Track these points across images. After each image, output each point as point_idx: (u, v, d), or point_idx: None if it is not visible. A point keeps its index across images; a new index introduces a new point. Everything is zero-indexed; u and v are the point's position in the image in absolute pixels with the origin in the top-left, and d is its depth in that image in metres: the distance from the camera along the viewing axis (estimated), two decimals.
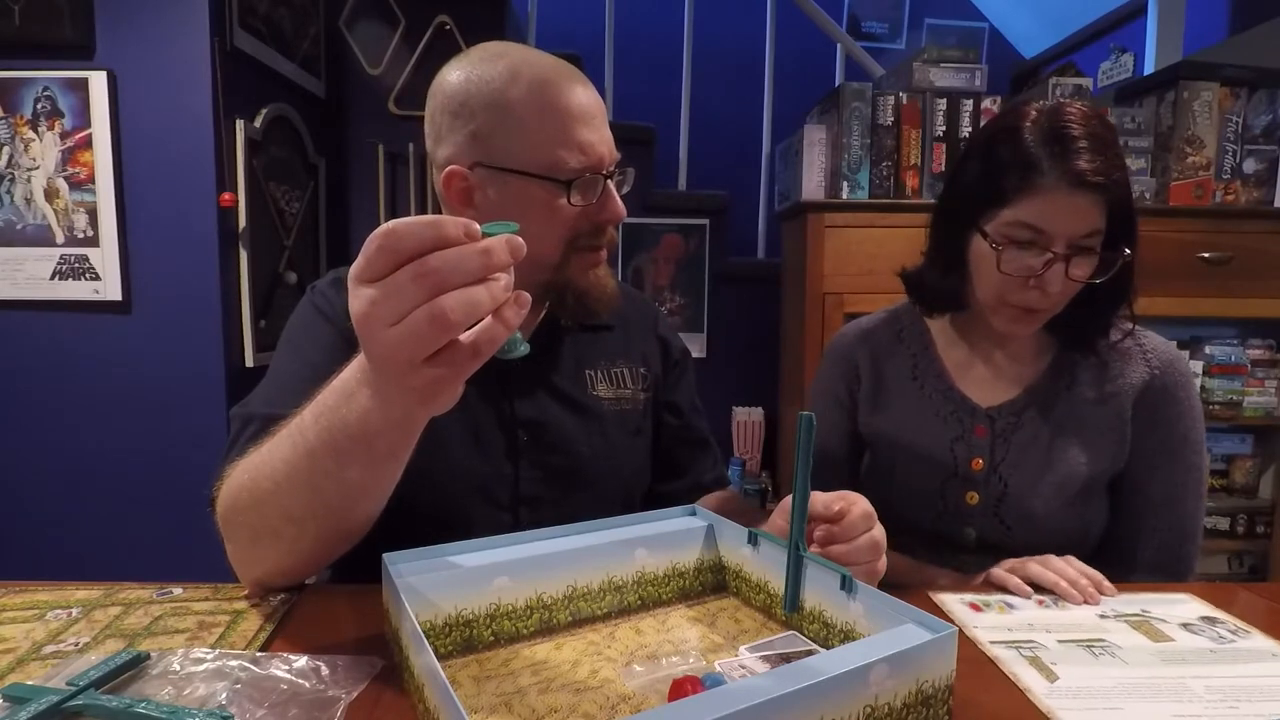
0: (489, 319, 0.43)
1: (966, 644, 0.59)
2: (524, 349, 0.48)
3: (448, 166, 0.72)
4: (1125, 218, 0.78)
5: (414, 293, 0.41)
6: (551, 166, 0.70)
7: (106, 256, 1.53)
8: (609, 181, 0.73)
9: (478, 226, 0.43)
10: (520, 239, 0.44)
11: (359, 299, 0.43)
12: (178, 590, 0.65)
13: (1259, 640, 0.60)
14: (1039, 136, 0.76)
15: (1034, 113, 0.79)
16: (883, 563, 0.59)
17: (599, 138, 0.72)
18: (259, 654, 0.52)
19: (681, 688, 0.46)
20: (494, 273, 0.43)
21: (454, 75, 0.72)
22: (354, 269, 0.43)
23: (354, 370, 0.51)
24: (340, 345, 0.72)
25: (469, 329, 0.43)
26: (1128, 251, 0.78)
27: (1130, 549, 0.86)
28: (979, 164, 0.82)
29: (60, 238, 1.52)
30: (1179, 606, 0.67)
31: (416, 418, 0.51)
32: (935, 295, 0.90)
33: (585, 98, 0.72)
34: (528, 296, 0.45)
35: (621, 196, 0.75)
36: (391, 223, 0.42)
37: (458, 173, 0.72)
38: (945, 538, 0.89)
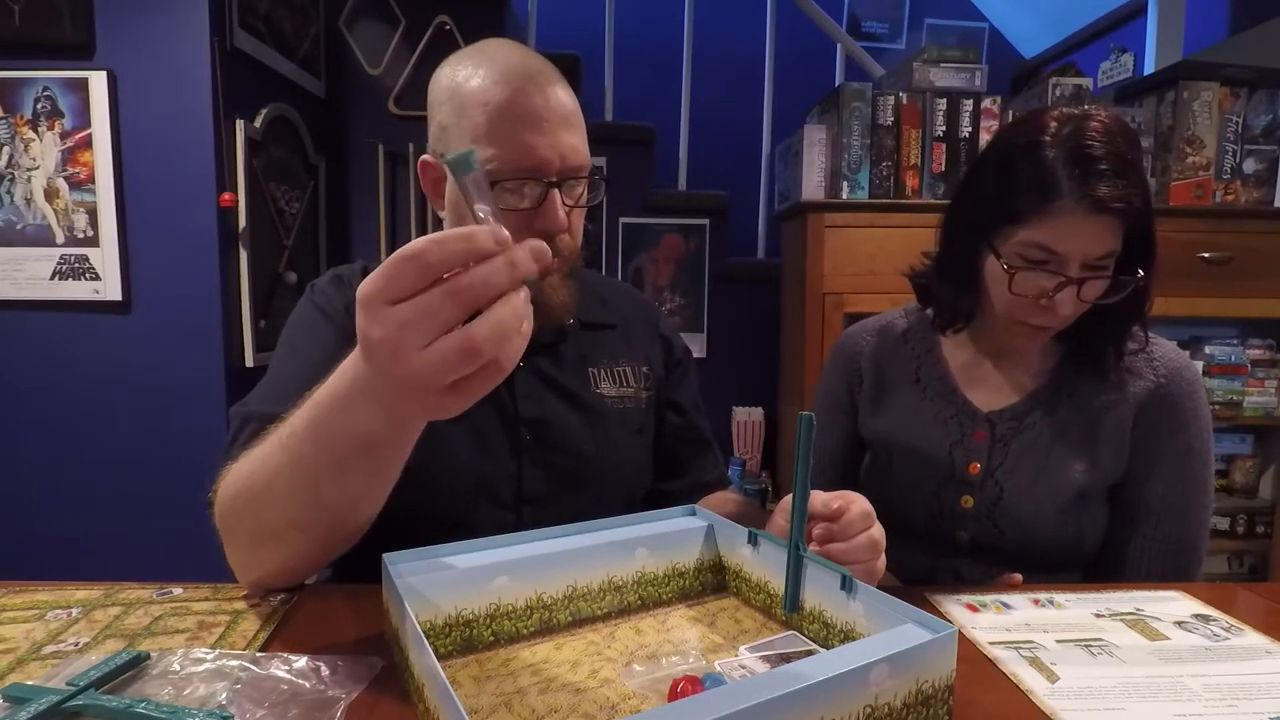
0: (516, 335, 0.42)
1: (965, 644, 0.58)
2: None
3: (422, 156, 0.76)
4: (1143, 239, 0.76)
5: (451, 312, 0.40)
6: (484, 164, 0.68)
7: (106, 256, 1.53)
8: (554, 190, 0.69)
9: (507, 233, 0.41)
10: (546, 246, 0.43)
11: (387, 322, 0.40)
12: (178, 590, 0.65)
13: (1252, 637, 0.60)
14: (1060, 155, 0.73)
15: (1055, 125, 0.75)
16: (881, 562, 0.59)
17: (546, 142, 0.68)
18: (259, 654, 0.52)
19: (682, 688, 0.46)
20: (522, 281, 0.41)
21: (442, 70, 0.75)
22: (371, 288, 0.40)
23: (350, 380, 0.48)
24: (340, 344, 0.72)
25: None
26: (1141, 274, 0.76)
27: (1125, 558, 0.85)
28: (996, 175, 0.79)
29: (60, 238, 1.52)
30: (1172, 604, 0.67)
31: (419, 425, 0.51)
32: (950, 313, 0.89)
33: (541, 100, 0.68)
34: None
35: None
36: (420, 241, 0.40)
37: (429, 164, 0.75)
38: (939, 538, 0.89)
